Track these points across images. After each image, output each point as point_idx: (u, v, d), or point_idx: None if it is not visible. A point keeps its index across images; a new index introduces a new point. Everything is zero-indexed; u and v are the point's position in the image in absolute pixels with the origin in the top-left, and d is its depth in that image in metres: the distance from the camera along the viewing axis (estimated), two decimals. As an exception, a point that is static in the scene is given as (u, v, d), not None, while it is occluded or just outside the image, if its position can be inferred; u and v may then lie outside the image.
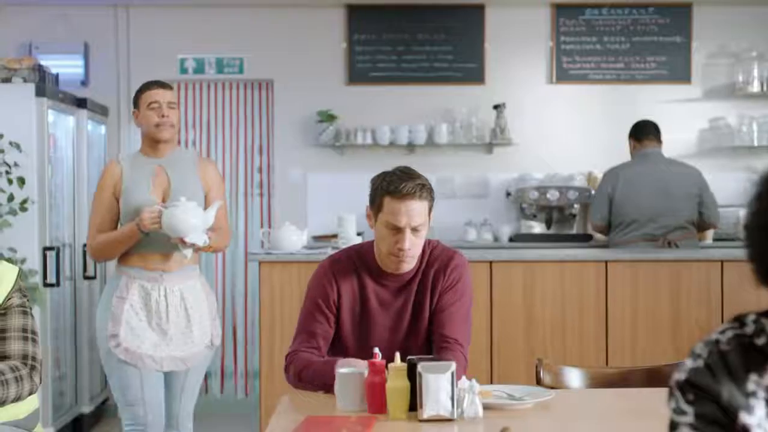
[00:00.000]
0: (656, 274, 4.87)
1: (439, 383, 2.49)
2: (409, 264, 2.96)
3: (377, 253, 2.98)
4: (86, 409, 6.10)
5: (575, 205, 6.62)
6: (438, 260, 3.02)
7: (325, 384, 2.81)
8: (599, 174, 6.61)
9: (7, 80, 5.55)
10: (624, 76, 6.90)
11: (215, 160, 7.08)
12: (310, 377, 2.88)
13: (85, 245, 6.06)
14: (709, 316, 4.84)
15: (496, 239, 6.66)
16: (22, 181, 5.20)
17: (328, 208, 6.68)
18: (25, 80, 5.53)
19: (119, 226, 3.87)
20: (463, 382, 2.54)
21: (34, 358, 2.99)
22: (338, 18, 6.87)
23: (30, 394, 2.96)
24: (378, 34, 6.85)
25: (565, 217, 6.69)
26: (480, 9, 6.85)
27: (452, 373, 2.50)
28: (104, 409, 6.55)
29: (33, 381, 2.96)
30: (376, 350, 2.64)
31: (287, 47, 6.83)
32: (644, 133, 5.92)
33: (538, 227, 6.69)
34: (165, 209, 3.72)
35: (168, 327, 3.85)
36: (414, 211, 2.87)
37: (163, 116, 3.87)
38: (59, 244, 5.71)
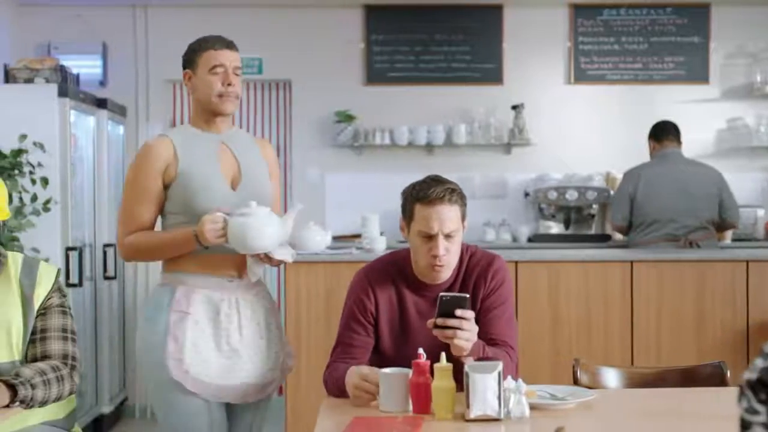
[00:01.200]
0: (681, 274, 4.87)
1: (486, 383, 2.49)
2: (446, 272, 2.92)
3: (415, 266, 2.95)
4: (106, 409, 6.10)
5: (594, 206, 6.63)
6: (478, 266, 3.00)
7: (342, 390, 2.81)
8: (617, 174, 6.62)
9: (30, 81, 5.56)
10: (642, 76, 6.90)
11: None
12: (340, 386, 2.87)
13: (107, 245, 6.08)
14: (734, 316, 4.84)
15: (514, 239, 6.67)
16: (45, 181, 5.21)
17: (346, 208, 6.69)
18: (47, 80, 5.55)
19: (168, 217, 3.11)
20: (509, 381, 2.54)
21: (74, 358, 3.01)
22: (356, 18, 6.88)
23: (70, 393, 2.98)
24: (396, 35, 6.85)
25: (583, 218, 6.69)
26: (498, 9, 6.86)
27: (499, 373, 2.50)
28: (124, 409, 6.56)
29: (73, 381, 2.97)
30: (420, 351, 2.64)
31: (305, 47, 6.83)
32: (664, 133, 5.93)
33: (556, 227, 6.69)
34: (231, 219, 2.92)
35: (241, 347, 3.07)
36: (445, 215, 2.84)
37: (229, 84, 3.10)
38: (80, 244, 5.72)
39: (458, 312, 2.69)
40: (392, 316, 2.98)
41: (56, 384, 2.86)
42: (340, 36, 6.87)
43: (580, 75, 6.90)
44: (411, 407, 2.63)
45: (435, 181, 2.91)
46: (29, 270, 3.03)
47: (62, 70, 5.65)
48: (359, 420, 2.52)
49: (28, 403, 2.77)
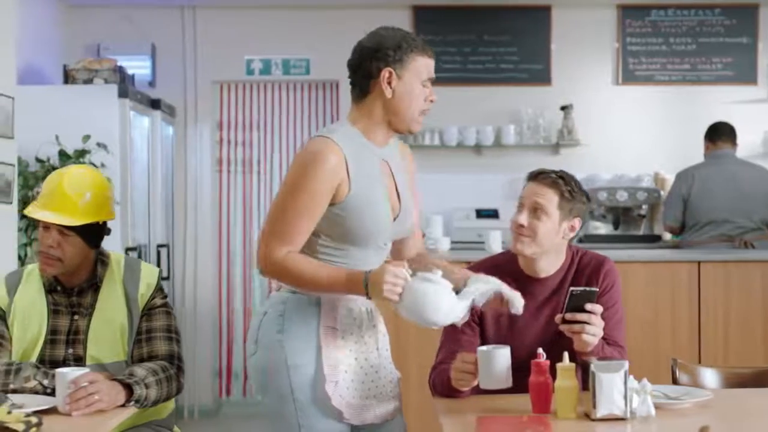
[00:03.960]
0: (748, 275, 4.87)
1: (612, 383, 2.49)
2: (525, 246, 2.94)
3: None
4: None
5: (644, 206, 6.63)
6: (589, 266, 3.02)
7: (450, 389, 2.82)
8: (666, 175, 6.63)
9: (89, 81, 5.58)
10: (690, 77, 6.90)
11: (281, 161, 7.11)
12: (438, 383, 2.88)
13: (160, 246, 6.09)
14: (802, 316, 4.85)
15: (564, 240, 6.66)
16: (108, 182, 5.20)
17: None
18: (106, 81, 5.56)
19: (318, 238, 2.66)
20: (632, 381, 2.55)
21: (179, 358, 3.02)
22: (404, 19, 6.88)
23: (177, 393, 2.99)
24: (444, 35, 6.86)
25: (632, 218, 6.69)
26: (546, 10, 6.86)
27: (625, 372, 2.50)
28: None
29: (180, 381, 2.98)
30: (540, 351, 2.64)
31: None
32: (719, 134, 5.93)
33: (604, 228, 6.69)
34: (414, 282, 2.53)
35: (379, 362, 2.77)
36: (539, 191, 2.92)
37: (431, 101, 2.74)
38: (136, 245, 5.72)
39: (588, 306, 2.70)
40: (499, 315, 2.98)
41: (166, 384, 2.88)
42: (388, 37, 6.86)
43: (628, 76, 6.90)
44: (510, 383, 2.66)
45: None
46: (132, 271, 3.05)
47: (120, 71, 5.66)
48: (485, 419, 2.52)
49: (142, 403, 2.78)
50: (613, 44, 6.91)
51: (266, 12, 6.85)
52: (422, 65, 2.69)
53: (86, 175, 3.02)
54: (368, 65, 2.68)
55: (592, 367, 2.51)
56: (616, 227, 6.69)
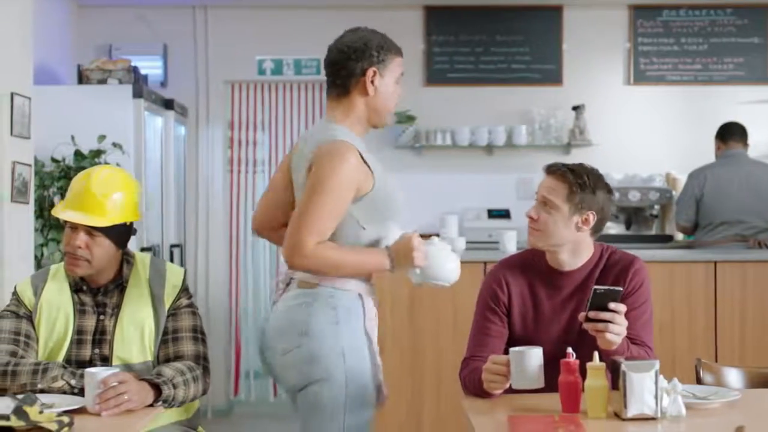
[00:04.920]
0: (765, 275, 4.86)
1: (643, 382, 2.49)
2: (536, 239, 2.98)
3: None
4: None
5: (656, 206, 6.63)
6: (618, 264, 3.02)
7: (482, 390, 2.83)
8: (678, 175, 6.63)
9: (103, 81, 5.59)
10: (701, 77, 6.90)
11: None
12: (471, 383, 2.90)
13: (173, 246, 6.10)
14: (819, 316, 4.84)
15: (575, 240, 6.66)
16: (123, 182, 5.21)
17: (407, 209, 6.68)
18: (120, 81, 5.57)
19: (365, 230, 2.85)
20: (662, 380, 2.54)
21: (205, 359, 3.02)
22: (416, 19, 6.89)
23: (203, 393, 2.99)
24: (456, 36, 6.86)
25: (644, 218, 6.69)
26: (558, 10, 6.87)
27: (656, 372, 2.50)
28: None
29: (206, 381, 2.98)
30: (570, 350, 2.64)
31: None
32: (730, 134, 5.93)
33: (615, 228, 6.69)
34: (429, 246, 2.91)
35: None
36: (549, 184, 2.97)
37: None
38: (150, 245, 5.73)
39: (611, 305, 2.70)
40: (525, 308, 3.01)
41: (193, 384, 2.88)
42: (400, 37, 6.79)
43: (639, 76, 6.90)
44: (543, 383, 2.67)
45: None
46: (157, 271, 3.05)
47: (134, 71, 5.67)
48: (517, 419, 2.52)
49: (170, 403, 2.78)
50: (624, 44, 6.91)
51: (278, 12, 6.86)
52: (398, 65, 2.96)
53: (115, 176, 3.02)
54: (354, 65, 2.88)
55: (623, 367, 2.51)
56: (628, 227, 6.69)
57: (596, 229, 3.00)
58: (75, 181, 2.97)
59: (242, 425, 6.52)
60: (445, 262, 2.88)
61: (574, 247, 2.98)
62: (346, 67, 2.88)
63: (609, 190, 3.03)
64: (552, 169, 2.99)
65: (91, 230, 2.90)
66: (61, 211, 2.93)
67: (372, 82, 2.87)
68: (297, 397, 2.85)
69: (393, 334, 4.85)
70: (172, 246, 6.11)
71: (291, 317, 2.82)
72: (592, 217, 2.97)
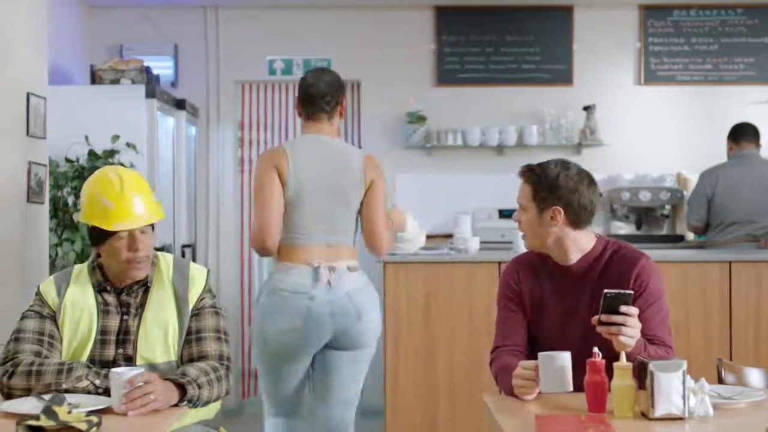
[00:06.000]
0: (780, 275, 4.88)
1: (671, 382, 2.49)
2: (525, 242, 3.08)
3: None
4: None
5: (667, 206, 6.63)
6: (621, 262, 3.02)
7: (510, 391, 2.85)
8: (688, 175, 6.63)
9: (115, 81, 5.59)
10: (712, 77, 6.90)
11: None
12: (503, 384, 2.92)
13: (185, 246, 6.09)
14: (833, 316, 4.84)
15: (586, 240, 6.65)
16: (137, 182, 5.21)
17: (417, 208, 6.68)
18: (133, 82, 5.57)
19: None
20: (689, 380, 2.54)
21: (228, 359, 3.02)
22: (426, 19, 6.89)
23: (226, 394, 2.99)
24: (466, 36, 6.87)
25: (654, 218, 6.69)
26: (568, 10, 6.87)
27: (683, 372, 2.50)
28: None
29: (228, 381, 2.98)
30: (596, 350, 2.64)
31: (375, 48, 6.84)
32: (743, 134, 5.93)
33: (626, 228, 6.69)
34: None
35: None
36: (520, 190, 3.06)
37: None
38: (162, 245, 5.73)
39: (623, 308, 2.71)
40: (534, 303, 3.08)
41: (217, 384, 2.88)
42: (410, 37, 6.88)
43: (650, 76, 6.90)
44: (571, 387, 2.68)
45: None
46: (181, 271, 3.05)
47: (147, 71, 5.67)
48: (545, 418, 2.52)
49: (194, 403, 2.78)
50: (635, 44, 6.91)
51: (288, 12, 6.86)
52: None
53: (132, 173, 3.03)
54: (343, 95, 3.97)
55: (651, 367, 2.51)
56: (638, 227, 6.69)
57: (574, 222, 2.99)
58: (105, 193, 2.90)
59: (253, 426, 6.51)
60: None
61: (559, 243, 3.01)
62: (341, 96, 3.97)
63: (580, 183, 2.99)
64: (520, 173, 3.09)
65: (143, 228, 2.92)
66: (120, 223, 2.89)
67: (341, 111, 3.99)
68: (352, 354, 3.81)
69: (408, 333, 4.85)
70: (184, 246, 6.11)
71: (371, 293, 3.85)
72: (558, 213, 2.98)
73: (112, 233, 2.90)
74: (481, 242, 6.06)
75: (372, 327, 3.80)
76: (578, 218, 2.98)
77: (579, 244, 3.02)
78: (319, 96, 3.86)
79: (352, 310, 3.72)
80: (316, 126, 3.88)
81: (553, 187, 2.98)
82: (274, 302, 3.74)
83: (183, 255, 6.10)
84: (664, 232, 6.69)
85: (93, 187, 2.96)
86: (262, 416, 4.34)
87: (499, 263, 4.85)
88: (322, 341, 3.76)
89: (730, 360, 4.79)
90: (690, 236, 6.36)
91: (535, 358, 2.76)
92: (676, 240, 6.51)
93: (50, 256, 4.80)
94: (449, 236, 5.91)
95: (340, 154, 3.86)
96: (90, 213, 2.93)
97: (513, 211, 6.55)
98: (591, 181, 3.03)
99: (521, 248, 5.15)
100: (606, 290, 2.75)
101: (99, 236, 2.93)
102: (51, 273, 4.61)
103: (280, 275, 3.78)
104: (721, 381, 3.16)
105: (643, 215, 6.69)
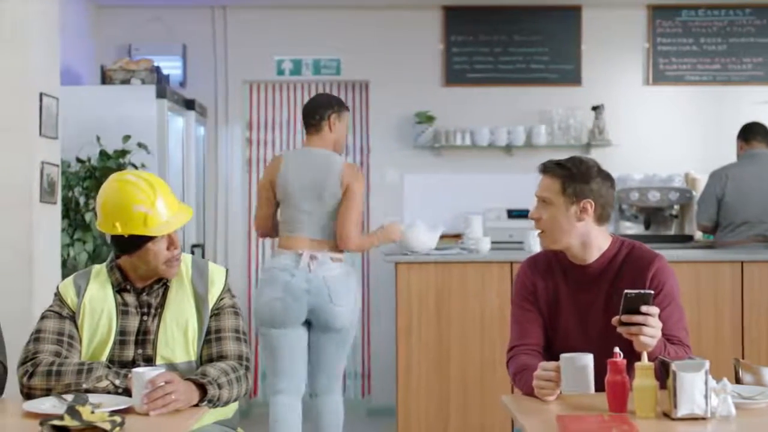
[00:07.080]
0: (792, 275, 4.87)
1: (693, 382, 2.49)
2: (543, 240, 3.04)
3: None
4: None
5: (675, 206, 6.62)
6: (638, 262, 3.03)
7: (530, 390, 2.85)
8: (697, 175, 6.62)
9: (126, 82, 5.59)
10: (720, 77, 6.90)
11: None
12: (522, 384, 2.92)
13: (194, 246, 6.09)
14: None
15: (595, 240, 6.65)
16: (148, 182, 5.20)
17: (425, 209, 6.70)
18: (143, 82, 5.57)
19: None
20: (711, 380, 2.54)
21: (247, 359, 3.01)
22: (435, 19, 6.89)
23: (245, 393, 2.98)
24: (475, 36, 6.86)
25: (663, 218, 6.68)
26: (576, 10, 6.87)
27: (706, 372, 2.50)
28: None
29: (248, 381, 2.98)
30: (617, 350, 2.64)
31: (384, 48, 6.84)
32: (753, 134, 5.93)
33: (634, 228, 6.69)
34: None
35: None
36: (542, 182, 3.04)
37: None
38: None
39: (643, 308, 2.71)
40: (549, 303, 3.07)
41: (236, 384, 2.87)
42: (418, 37, 6.88)
43: (658, 76, 6.90)
44: (593, 389, 2.69)
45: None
46: (200, 271, 3.05)
47: (157, 72, 5.67)
48: (567, 418, 2.52)
49: (215, 403, 2.78)
50: (643, 44, 6.91)
51: (297, 12, 6.86)
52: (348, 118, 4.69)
53: (151, 175, 3.03)
54: (331, 112, 4.58)
55: (673, 367, 2.51)
56: (647, 227, 6.68)
57: (600, 218, 3.01)
58: (133, 200, 2.88)
59: (261, 426, 6.49)
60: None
61: (584, 240, 3.01)
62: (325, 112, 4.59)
63: (606, 178, 3.04)
64: (543, 168, 3.06)
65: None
66: (162, 227, 2.91)
67: (339, 119, 4.57)
68: (331, 334, 4.42)
69: (420, 332, 4.85)
70: (193, 246, 6.11)
71: (347, 282, 4.44)
72: (590, 206, 2.98)
73: (151, 238, 2.89)
74: (496, 242, 6.07)
75: (343, 311, 4.39)
76: (605, 213, 3.01)
77: (599, 241, 3.03)
78: (307, 114, 4.58)
79: (325, 292, 4.36)
80: (308, 138, 4.56)
81: (587, 179, 2.98)
82: (266, 277, 4.47)
83: (192, 254, 6.09)
84: (672, 232, 6.68)
85: (119, 197, 2.89)
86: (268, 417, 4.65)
87: (512, 263, 4.85)
88: (301, 313, 4.40)
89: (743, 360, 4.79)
90: (699, 236, 6.36)
91: (550, 358, 2.77)
92: (685, 240, 6.50)
93: (62, 256, 4.80)
94: (457, 236, 5.92)
95: (323, 162, 4.47)
96: (128, 224, 2.88)
97: (522, 211, 6.71)
98: (611, 178, 3.08)
99: (533, 249, 5.17)
100: (626, 290, 2.75)
101: (135, 243, 2.91)
102: (63, 273, 4.62)
103: (274, 258, 4.52)
104: (738, 381, 3.16)
105: (651, 215, 6.68)
